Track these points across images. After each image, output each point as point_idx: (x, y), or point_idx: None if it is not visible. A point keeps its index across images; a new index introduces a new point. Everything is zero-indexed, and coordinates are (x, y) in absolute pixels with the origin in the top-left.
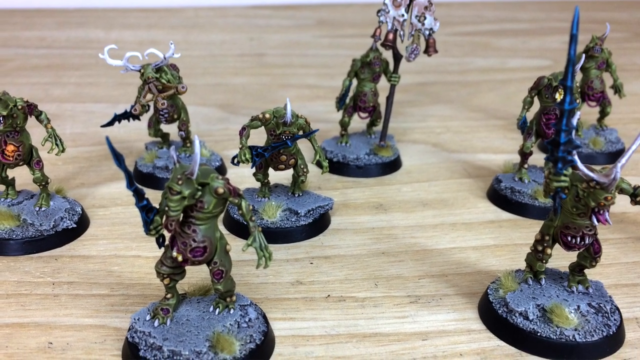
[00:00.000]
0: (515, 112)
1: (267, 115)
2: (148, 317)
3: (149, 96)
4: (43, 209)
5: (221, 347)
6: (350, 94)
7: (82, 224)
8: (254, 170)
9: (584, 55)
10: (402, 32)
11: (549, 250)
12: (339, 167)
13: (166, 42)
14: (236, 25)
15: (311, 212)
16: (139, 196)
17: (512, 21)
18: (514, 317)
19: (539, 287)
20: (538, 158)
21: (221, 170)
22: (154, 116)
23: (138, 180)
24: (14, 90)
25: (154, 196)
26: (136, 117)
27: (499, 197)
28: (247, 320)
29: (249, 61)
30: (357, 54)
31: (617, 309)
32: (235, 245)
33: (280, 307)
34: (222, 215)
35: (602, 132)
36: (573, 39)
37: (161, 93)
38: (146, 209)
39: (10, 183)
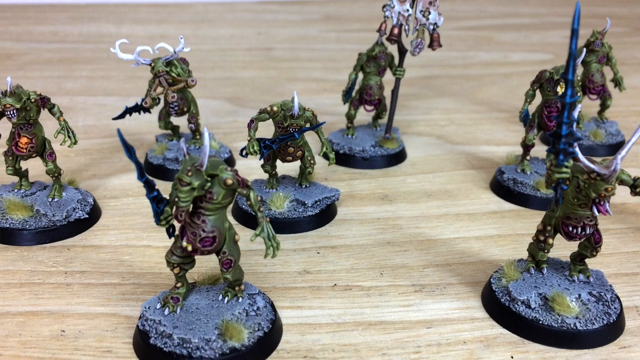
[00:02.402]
0: (517, 105)
1: (275, 108)
2: (158, 306)
3: (160, 89)
4: (56, 199)
5: (230, 335)
6: (356, 87)
7: (94, 214)
8: (262, 161)
9: (585, 50)
10: (407, 27)
11: (550, 240)
12: (345, 159)
13: (176, 36)
14: (244, 20)
15: (318, 203)
16: (149, 187)
17: (515, 16)
18: (516, 305)
19: (540, 276)
20: (540, 150)
21: (230, 161)
22: (164, 109)
23: (148, 171)
24: (27, 84)
25: (164, 187)
26: (147, 110)
27: (502, 188)
28: (255, 308)
29: (257, 55)
30: (363, 48)
31: (618, 297)
32: (244, 235)
33: (287, 295)
34: (231, 206)
35: (602, 124)
36: (574, 33)
37: (171, 86)
38: (156, 200)
39: (23, 174)
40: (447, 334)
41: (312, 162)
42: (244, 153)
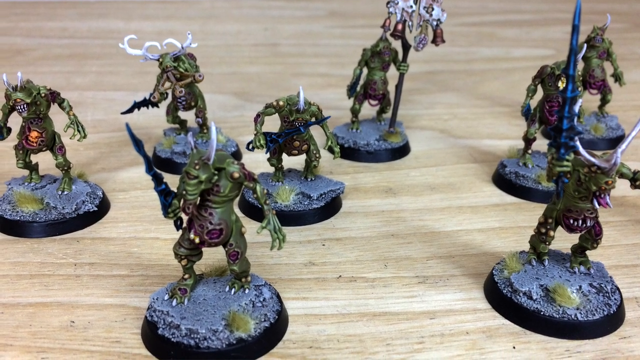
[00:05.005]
0: (519, 99)
1: (281, 103)
2: (166, 297)
3: (167, 84)
4: (65, 192)
5: (237, 326)
6: (361, 82)
7: (103, 207)
8: (268, 155)
9: (585, 45)
10: (410, 23)
11: (552, 233)
12: (350, 153)
13: (184, 32)
14: (251, 16)
15: (323, 196)
16: (157, 180)
17: (517, 12)
18: (518, 296)
19: (542, 268)
20: (541, 144)
21: (237, 155)
22: (172, 103)
23: (157, 165)
24: (37, 79)
25: (172, 180)
26: (155, 105)
27: (504, 181)
28: (261, 299)
29: (263, 51)
30: (367, 43)
31: (618, 289)
32: (250, 227)
33: (293, 287)
34: (237, 199)
35: (603, 118)
36: (575, 29)
37: (179, 81)
38: (164, 193)
39: (34, 168)
40: (450, 325)
41: (317, 155)
42: (250, 147)
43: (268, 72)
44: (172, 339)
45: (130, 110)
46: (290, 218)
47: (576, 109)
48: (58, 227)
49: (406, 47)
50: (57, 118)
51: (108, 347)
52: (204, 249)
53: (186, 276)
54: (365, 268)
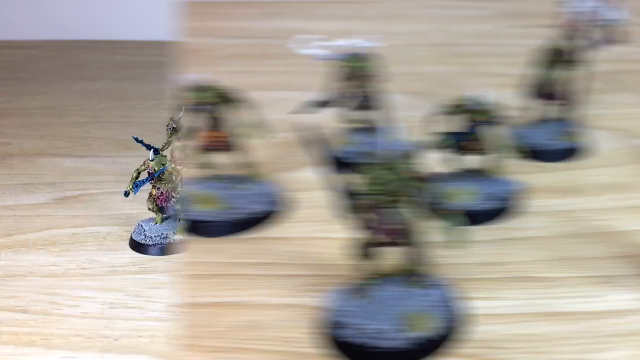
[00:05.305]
0: None
1: (459, 103)
2: (345, 297)
3: (346, 84)
4: (245, 192)
5: (416, 325)
6: (540, 82)
7: (282, 207)
8: (445, 155)
9: None
10: (590, 22)
11: None
12: (529, 153)
13: (362, 32)
14: (430, 16)
15: (502, 195)
16: (335, 181)
17: None
18: None
19: None
20: None
21: (415, 155)
22: (351, 103)
23: (335, 165)
24: (217, 79)
25: (350, 181)
26: (333, 105)
27: None
28: (441, 299)
29: (442, 50)
30: (545, 43)
31: None
32: (430, 227)
33: (472, 286)
34: (416, 198)
35: None
36: None
37: (360, 81)
38: (344, 193)
39: (214, 168)
40: (632, 324)
41: (495, 155)
42: (427, 147)
43: (447, 71)
44: (351, 339)
45: (307, 110)
46: (468, 217)
47: None
48: (236, 227)
49: (585, 46)
50: (236, 118)
51: (286, 347)
52: (384, 249)
53: (365, 276)
54: (545, 268)
